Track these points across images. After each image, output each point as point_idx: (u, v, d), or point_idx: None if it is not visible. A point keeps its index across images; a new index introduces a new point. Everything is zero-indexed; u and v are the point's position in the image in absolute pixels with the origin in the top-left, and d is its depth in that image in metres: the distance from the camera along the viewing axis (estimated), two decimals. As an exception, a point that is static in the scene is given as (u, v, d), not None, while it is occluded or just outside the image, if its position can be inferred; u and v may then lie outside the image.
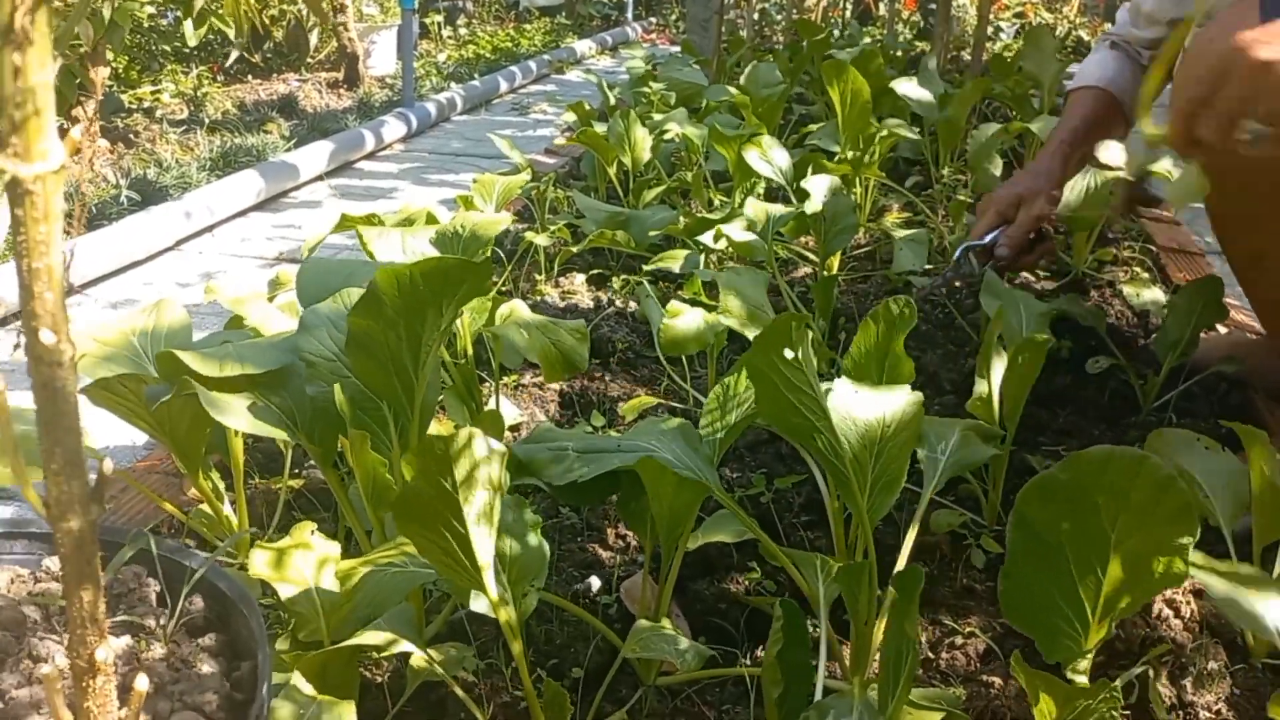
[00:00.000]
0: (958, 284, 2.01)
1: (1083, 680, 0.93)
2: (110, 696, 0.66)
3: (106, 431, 1.97)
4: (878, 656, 1.28)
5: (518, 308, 1.67)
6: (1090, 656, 0.94)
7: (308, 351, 1.28)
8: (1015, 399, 1.45)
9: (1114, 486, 0.87)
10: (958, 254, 1.95)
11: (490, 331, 1.57)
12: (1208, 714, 1.20)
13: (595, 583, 1.43)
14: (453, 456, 0.95)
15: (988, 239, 1.93)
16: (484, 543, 1.01)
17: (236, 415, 1.24)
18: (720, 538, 1.41)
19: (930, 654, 1.31)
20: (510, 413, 1.83)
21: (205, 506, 1.53)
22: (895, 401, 1.19)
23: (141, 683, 0.67)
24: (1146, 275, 2.51)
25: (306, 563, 1.15)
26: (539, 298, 2.35)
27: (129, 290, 2.70)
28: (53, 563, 0.88)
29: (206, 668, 0.75)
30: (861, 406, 1.18)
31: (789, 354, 1.11)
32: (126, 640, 0.76)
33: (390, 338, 1.22)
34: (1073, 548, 0.89)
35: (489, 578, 1.01)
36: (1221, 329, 2.19)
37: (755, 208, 2.17)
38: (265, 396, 1.28)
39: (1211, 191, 1.55)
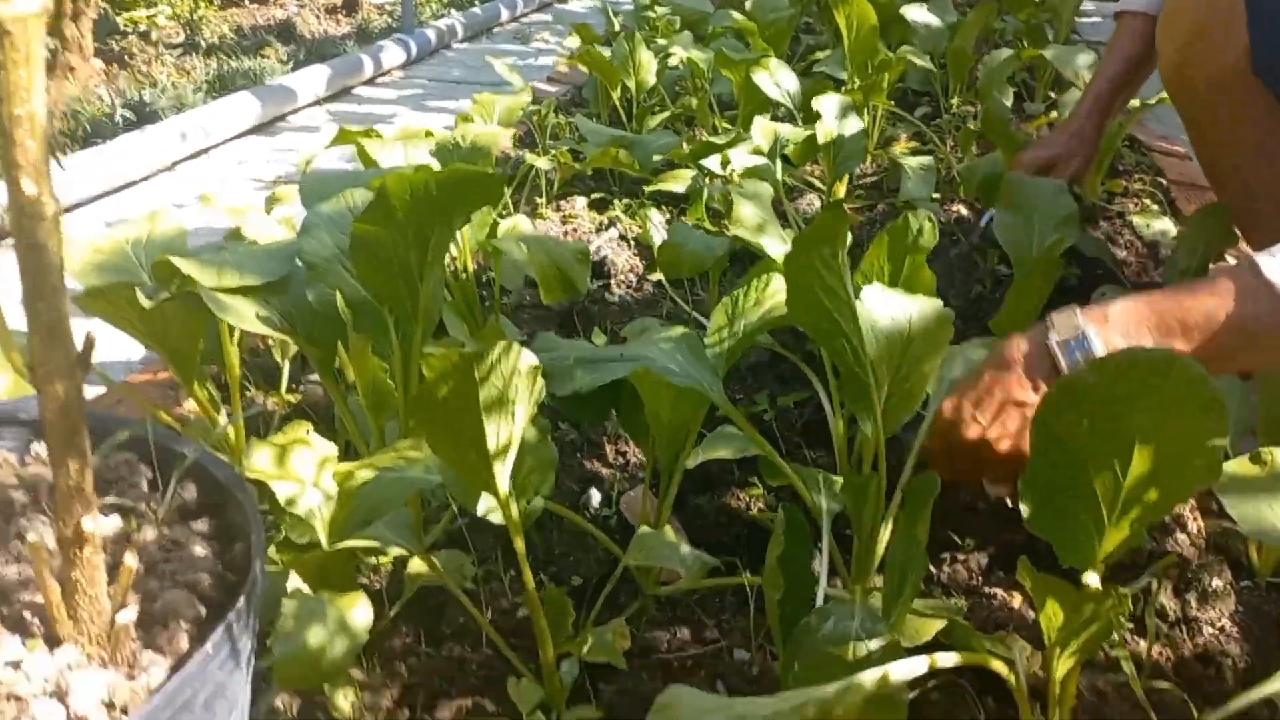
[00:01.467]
0: (985, 243, 1.97)
1: (1095, 583, 0.91)
2: (98, 569, 0.65)
3: (101, 346, 1.95)
4: (879, 573, 1.27)
5: (520, 223, 1.64)
6: (1102, 564, 0.93)
7: (310, 253, 1.25)
8: (1028, 316, 1.43)
9: (1142, 386, 0.85)
10: (984, 218, 1.91)
11: (491, 245, 1.54)
12: (1211, 629, 1.19)
13: (595, 496, 1.42)
14: (479, 358, 0.93)
15: None
16: (497, 440, 0.99)
17: (238, 314, 1.21)
18: (722, 454, 1.40)
19: (932, 568, 1.30)
20: (510, 332, 1.80)
21: (201, 418, 1.51)
22: (926, 309, 1.16)
23: (130, 558, 0.65)
24: (1156, 207, 2.47)
25: (306, 461, 1.13)
26: (539, 221, 2.32)
27: (124, 210, 2.65)
28: (41, 448, 0.86)
29: (199, 549, 0.73)
30: (890, 312, 1.15)
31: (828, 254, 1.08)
32: (116, 520, 0.75)
33: (398, 244, 1.19)
34: (1093, 450, 0.87)
35: (501, 473, 0.99)
36: (1230, 259, 2.15)
37: (763, 127, 2.13)
38: (265, 301, 1.26)
39: (1198, 142, 1.54)
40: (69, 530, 0.62)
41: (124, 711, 0.61)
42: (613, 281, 2.02)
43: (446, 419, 0.98)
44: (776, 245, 1.46)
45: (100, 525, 0.64)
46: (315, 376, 1.71)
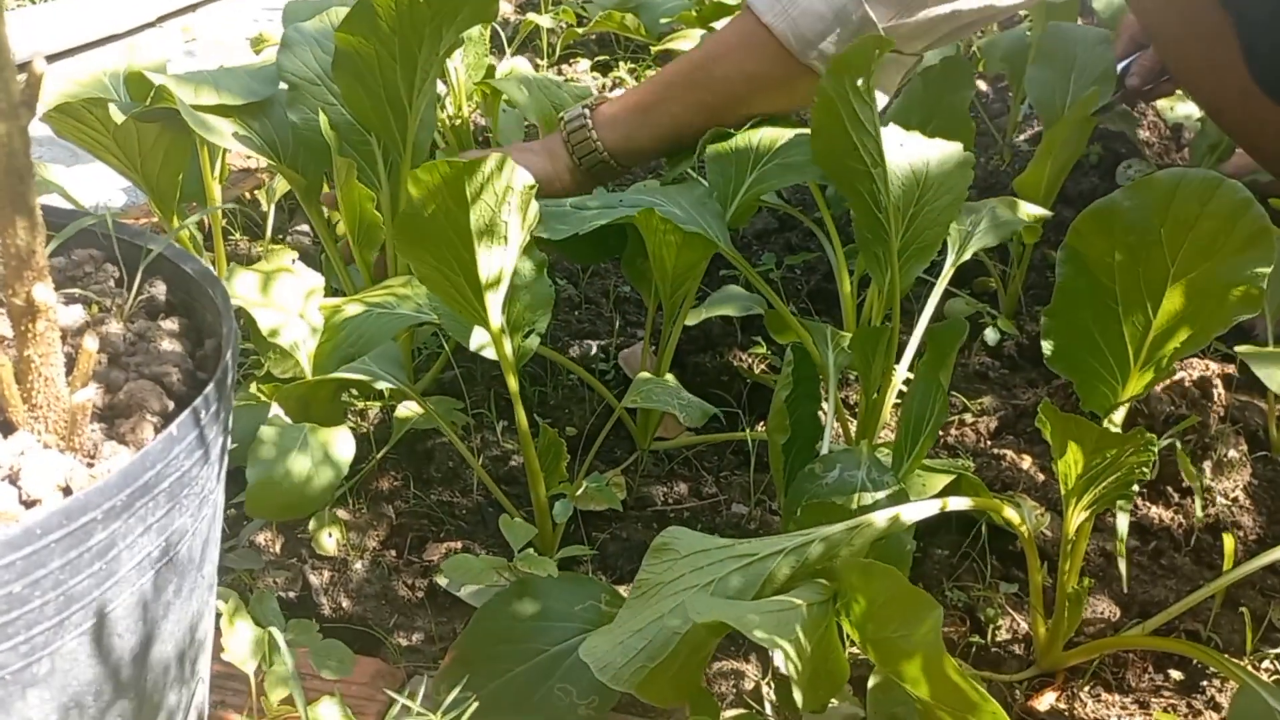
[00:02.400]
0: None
1: (1116, 430, 0.87)
2: (54, 349, 0.59)
3: (82, 190, 1.87)
4: (884, 431, 1.23)
5: (518, 66, 1.55)
6: (1126, 408, 0.88)
7: (290, 72, 1.17)
8: (1053, 179, 1.36)
9: (1182, 215, 0.78)
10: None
11: (488, 85, 1.46)
12: (1224, 500, 1.16)
13: (593, 347, 1.37)
14: (470, 171, 0.86)
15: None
16: (490, 267, 0.93)
17: (216, 132, 1.14)
18: (725, 311, 1.34)
19: (940, 432, 1.25)
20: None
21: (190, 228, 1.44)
22: (946, 152, 1.10)
23: (90, 341, 0.59)
24: (1180, 92, 2.37)
25: (291, 291, 1.07)
26: (541, 83, 2.22)
27: (107, 63, 2.54)
28: None
29: (167, 344, 0.67)
30: (907, 154, 1.09)
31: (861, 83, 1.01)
32: (78, 311, 0.69)
33: (384, 59, 1.11)
34: (1123, 281, 0.81)
35: (494, 304, 0.94)
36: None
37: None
38: (246, 124, 1.18)
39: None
40: (19, 300, 0.56)
41: (81, 495, 0.55)
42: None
43: (435, 241, 0.92)
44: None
45: (56, 301, 0.59)
46: (303, 227, 1.64)
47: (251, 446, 0.94)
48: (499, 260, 0.93)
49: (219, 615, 0.73)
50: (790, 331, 1.20)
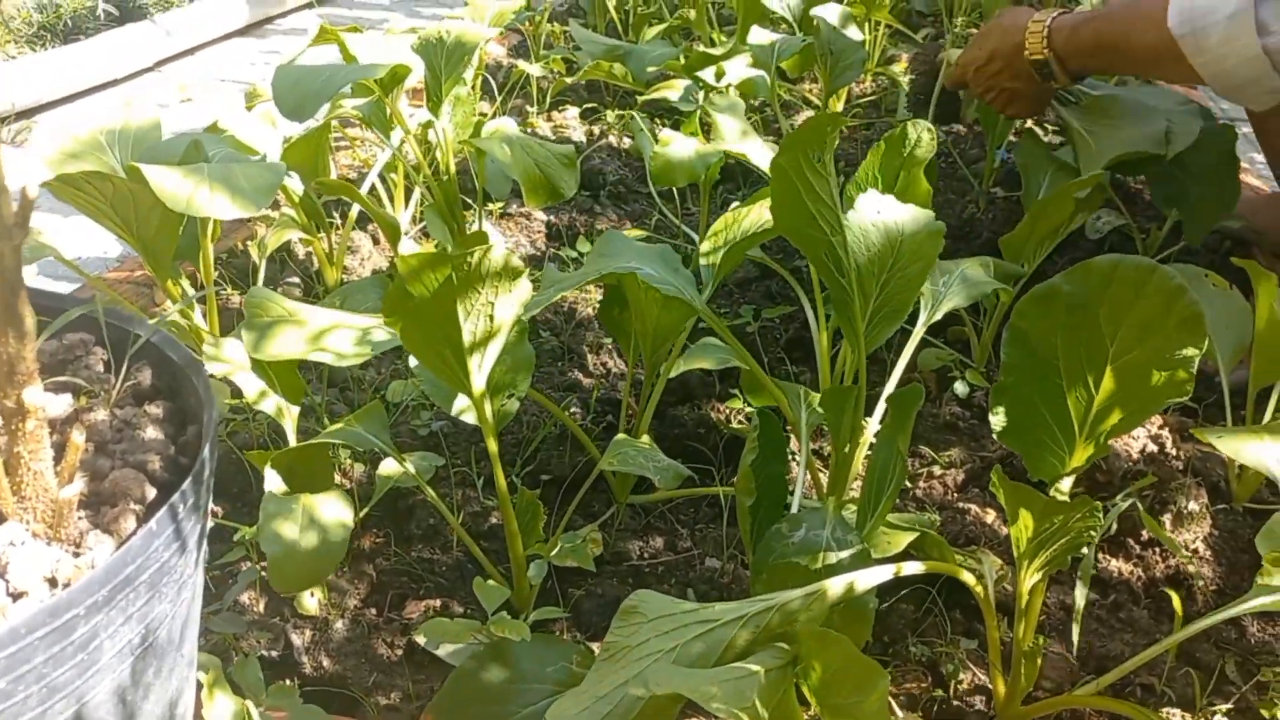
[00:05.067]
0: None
1: (1063, 498, 0.90)
2: (43, 444, 0.63)
3: (78, 242, 1.92)
4: (856, 483, 1.27)
5: (504, 125, 1.60)
6: (1073, 478, 0.92)
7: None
8: (1039, 243, 1.40)
9: (1118, 297, 0.83)
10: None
11: (473, 145, 1.50)
12: (1185, 552, 1.19)
13: (574, 399, 1.40)
14: (454, 262, 0.90)
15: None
16: (474, 340, 0.97)
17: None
18: (703, 364, 1.37)
19: (908, 484, 1.29)
20: (494, 239, 1.77)
21: (177, 316, 1.48)
22: (917, 219, 1.14)
23: (77, 435, 0.63)
24: (1159, 134, 2.42)
25: (294, 340, 1.09)
26: (530, 130, 2.27)
27: (105, 114, 2.59)
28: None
29: (151, 431, 0.71)
30: (880, 220, 1.12)
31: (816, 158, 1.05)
32: (68, 400, 0.73)
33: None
34: (1066, 360, 0.85)
35: (476, 372, 0.98)
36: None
37: (759, 35, 2.07)
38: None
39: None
40: (10, 402, 0.60)
41: (66, 587, 0.59)
42: (602, 193, 1.99)
43: (422, 318, 0.96)
44: (760, 153, 1.42)
45: (45, 400, 0.63)
46: (294, 279, 1.68)
47: (261, 524, 0.97)
48: (483, 333, 0.97)
49: (201, 686, 0.77)
50: (765, 392, 1.24)
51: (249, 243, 1.73)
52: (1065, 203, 1.35)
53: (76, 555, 0.63)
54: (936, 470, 1.30)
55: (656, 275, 1.14)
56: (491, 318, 0.97)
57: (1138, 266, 0.81)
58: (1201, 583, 1.16)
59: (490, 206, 1.87)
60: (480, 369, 0.99)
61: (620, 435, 1.16)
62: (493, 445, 1.02)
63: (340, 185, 1.44)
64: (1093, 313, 0.83)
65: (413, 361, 1.10)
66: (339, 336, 1.11)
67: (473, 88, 2.20)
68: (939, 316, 1.24)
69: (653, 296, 1.13)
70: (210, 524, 1.17)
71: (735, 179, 2.09)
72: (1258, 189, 2.15)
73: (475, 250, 0.92)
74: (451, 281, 0.92)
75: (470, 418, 1.08)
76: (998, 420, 0.89)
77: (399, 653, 1.05)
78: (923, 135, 1.30)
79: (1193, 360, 0.80)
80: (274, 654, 1.03)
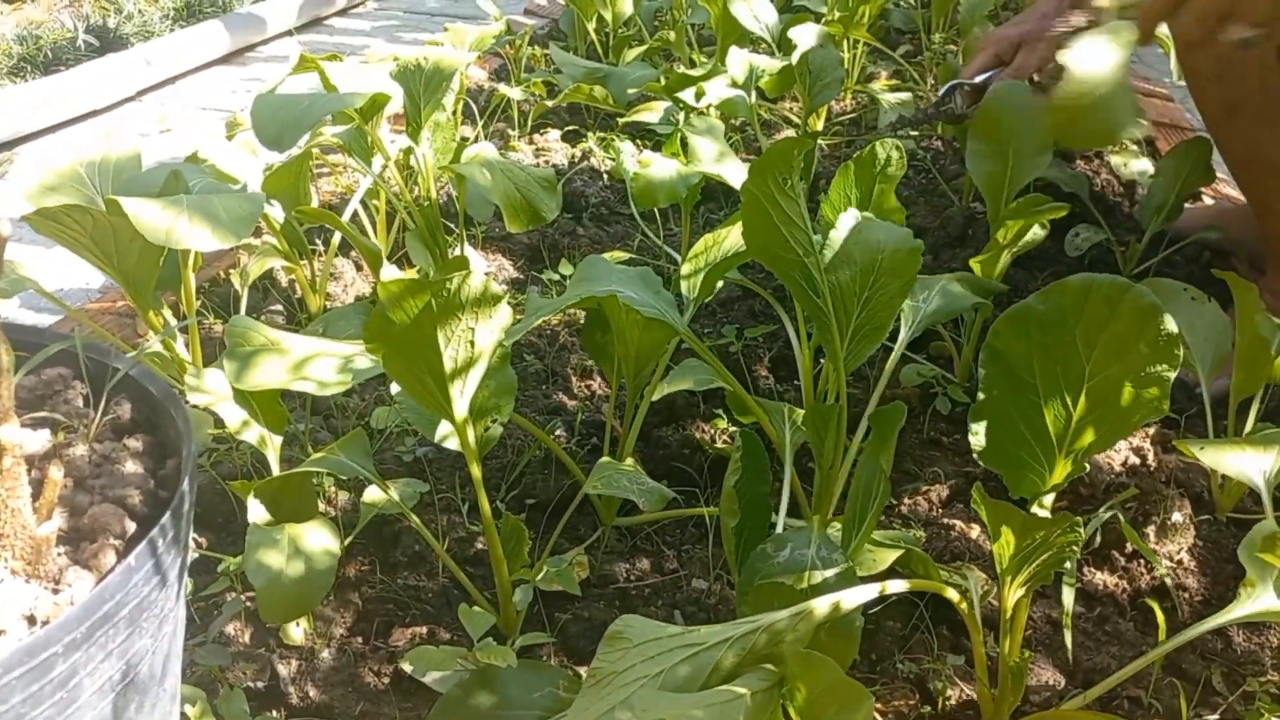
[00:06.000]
0: (940, 118, 1.90)
1: (1045, 514, 0.91)
2: (20, 481, 0.63)
3: (59, 273, 1.91)
4: (839, 503, 1.27)
5: (484, 150, 1.60)
6: (1053, 494, 0.92)
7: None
8: (1008, 260, 1.41)
9: (1093, 316, 0.83)
10: (944, 89, 1.84)
11: (453, 170, 1.51)
12: (1169, 563, 1.20)
13: (559, 422, 1.40)
14: (434, 289, 0.90)
15: (979, 79, 1.80)
16: (456, 367, 0.97)
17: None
18: (686, 386, 1.38)
19: (893, 500, 1.29)
20: (476, 263, 1.77)
21: (158, 345, 1.48)
22: (896, 237, 1.14)
23: (55, 471, 0.63)
24: (1135, 148, 2.44)
25: (277, 369, 1.09)
26: (511, 153, 2.27)
27: (87, 139, 2.59)
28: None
29: (130, 465, 0.71)
30: (859, 239, 1.13)
31: (785, 181, 1.06)
32: (45, 435, 0.72)
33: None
34: (1043, 379, 0.86)
35: (458, 399, 0.98)
36: (1208, 199, 2.14)
37: (738, 58, 2.08)
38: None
39: (1178, 45, 1.47)
40: (-14, 441, 0.60)
41: (45, 624, 0.59)
42: (584, 215, 1.99)
43: (403, 345, 0.96)
44: (738, 174, 1.43)
45: (22, 437, 0.62)
46: (277, 306, 1.68)
47: (246, 555, 0.97)
48: (464, 359, 0.97)
49: (184, 720, 0.76)
50: (749, 411, 1.24)
51: (231, 271, 1.73)
52: (1029, 208, 1.37)
53: (55, 592, 0.62)
54: (921, 486, 1.31)
55: (637, 298, 1.14)
56: (472, 344, 0.97)
57: (1112, 285, 0.82)
58: (1186, 594, 1.17)
59: (472, 230, 1.88)
60: (462, 395, 0.99)
61: (604, 458, 1.16)
62: (476, 471, 1.02)
63: (321, 213, 1.44)
64: (1068, 332, 0.84)
65: (395, 388, 1.10)
66: (321, 364, 1.11)
67: (454, 112, 2.21)
68: (919, 333, 1.25)
69: (634, 319, 1.14)
70: (194, 555, 1.17)
71: (717, 198, 2.10)
72: (1234, 199, 2.17)
73: (455, 276, 0.92)
74: (431, 308, 0.93)
75: (453, 444, 1.08)
76: (977, 440, 0.89)
77: (386, 681, 1.04)
78: (892, 154, 1.31)
79: (1168, 379, 0.80)
80: (260, 685, 1.02)
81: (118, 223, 1.29)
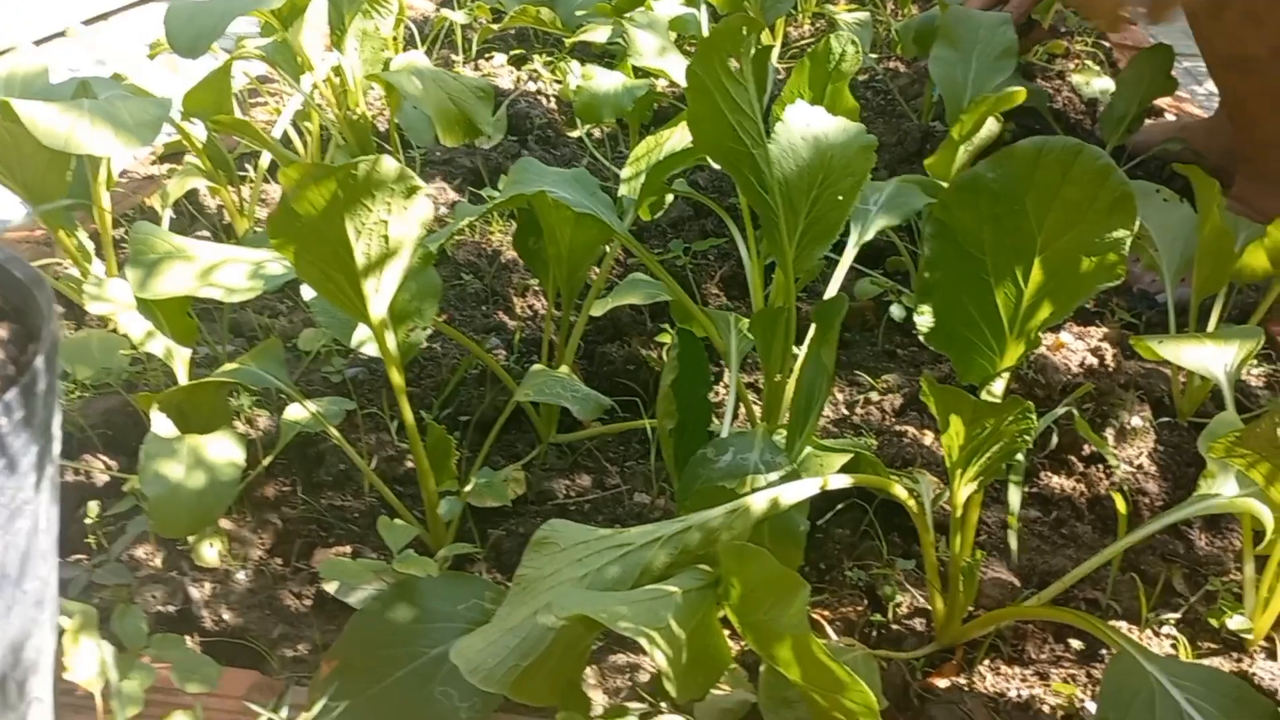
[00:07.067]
0: None
1: (995, 399, 0.86)
2: None
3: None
4: (789, 414, 1.22)
5: (415, 59, 1.52)
6: (1005, 381, 0.87)
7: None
8: (965, 162, 1.35)
9: (1044, 182, 0.78)
10: None
11: (381, 79, 1.43)
12: (1128, 467, 1.15)
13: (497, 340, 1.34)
14: (339, 175, 0.83)
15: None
16: (370, 264, 0.90)
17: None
18: (631, 300, 1.32)
19: (845, 411, 1.24)
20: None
21: (72, 269, 1.40)
22: (847, 132, 1.08)
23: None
24: (1097, 67, 2.39)
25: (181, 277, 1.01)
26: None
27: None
28: None
29: (-12, 351, 0.64)
30: (810, 133, 1.06)
31: (734, 65, 0.99)
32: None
33: None
34: (993, 253, 0.80)
35: (374, 298, 0.91)
36: (1170, 117, 2.10)
37: (687, -30, 2.00)
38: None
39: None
40: None
41: None
42: (530, 138, 1.91)
43: (311, 241, 0.89)
44: (680, 68, 1.36)
45: None
46: (204, 232, 1.60)
47: (142, 466, 0.90)
48: (378, 254, 0.91)
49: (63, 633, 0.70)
50: (695, 322, 1.19)
51: (153, 198, 1.64)
52: (991, 109, 1.31)
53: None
54: (874, 396, 1.26)
55: (569, 197, 1.08)
56: (386, 238, 0.90)
57: (1064, 148, 0.76)
58: (1147, 498, 1.13)
59: (411, 153, 1.80)
60: (378, 294, 0.92)
61: (537, 366, 1.10)
62: (397, 377, 0.96)
63: (239, 123, 1.36)
64: (1019, 200, 0.78)
65: (308, 293, 1.03)
66: (230, 271, 1.04)
67: (394, 37, 2.12)
68: (870, 236, 1.19)
69: (564, 215, 1.07)
70: (105, 479, 1.10)
71: (667, 114, 2.03)
72: (1196, 114, 2.12)
73: (363, 161, 0.85)
74: (339, 197, 0.86)
75: (372, 349, 1.02)
76: (923, 320, 0.84)
77: (308, 603, 0.98)
78: (847, 48, 1.24)
79: (1123, 242, 0.75)
80: (171, 609, 0.96)
81: (19, 132, 1.21)
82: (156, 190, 1.69)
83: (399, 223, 0.90)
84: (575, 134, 1.95)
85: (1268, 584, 0.92)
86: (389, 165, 0.86)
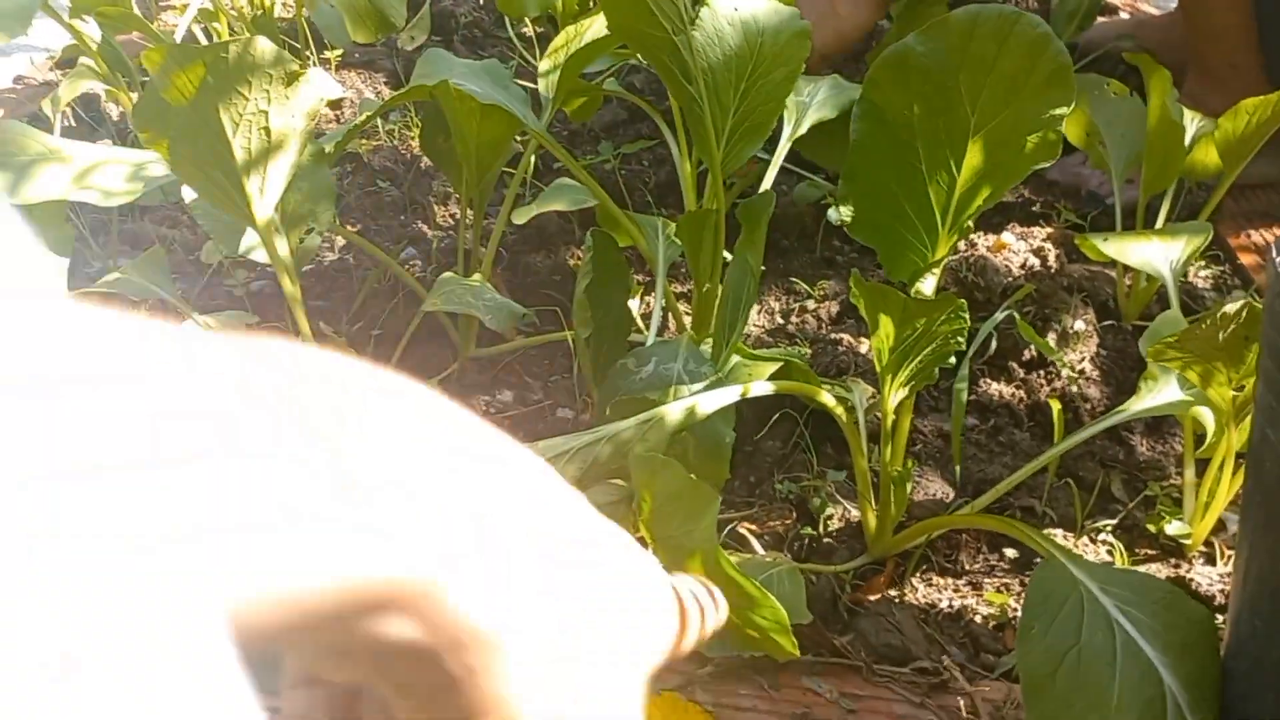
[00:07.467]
0: None
1: (927, 295, 0.80)
2: None
3: None
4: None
5: (323, -52, 1.41)
6: (936, 277, 0.82)
7: None
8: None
9: (979, 55, 0.71)
10: None
11: (285, -31, 1.32)
12: (1070, 372, 1.11)
13: (413, 250, 1.27)
14: (208, 55, 0.75)
15: None
16: (252, 157, 0.82)
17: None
18: (557, 206, 1.25)
19: (780, 320, 1.19)
20: (332, 88, 1.59)
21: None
22: (781, 16, 1.00)
23: None
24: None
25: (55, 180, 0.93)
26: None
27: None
28: None
29: None
30: (738, 19, 0.98)
31: None
32: None
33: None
34: (924, 136, 0.74)
35: (259, 198, 0.83)
36: (1124, 16, 2.03)
37: None
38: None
39: None
40: None
41: None
42: (455, 37, 1.81)
43: (183, 132, 0.81)
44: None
45: None
46: (106, 141, 1.49)
47: None
48: (259, 146, 0.83)
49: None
50: (621, 227, 1.12)
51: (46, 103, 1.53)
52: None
53: None
54: (810, 304, 1.20)
55: (476, 89, 1.00)
56: (268, 130, 0.82)
57: (1000, 17, 0.70)
58: (1089, 404, 1.09)
59: (327, 55, 1.69)
60: (263, 194, 0.84)
61: (447, 274, 1.03)
62: (290, 286, 0.89)
63: (123, 14, 1.25)
64: (952, 76, 0.71)
65: (188, 194, 0.95)
66: (108, 172, 0.95)
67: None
68: (804, 130, 1.12)
69: (470, 109, 0.99)
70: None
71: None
72: (1148, 13, 2.06)
73: (234, 42, 0.77)
74: (209, 83, 0.77)
75: (261, 255, 0.94)
76: (847, 210, 0.78)
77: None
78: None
79: (1061, 119, 0.69)
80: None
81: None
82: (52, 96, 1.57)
83: (281, 113, 0.82)
84: (505, 34, 1.85)
85: (1207, 488, 0.89)
86: (264, 46, 0.78)
